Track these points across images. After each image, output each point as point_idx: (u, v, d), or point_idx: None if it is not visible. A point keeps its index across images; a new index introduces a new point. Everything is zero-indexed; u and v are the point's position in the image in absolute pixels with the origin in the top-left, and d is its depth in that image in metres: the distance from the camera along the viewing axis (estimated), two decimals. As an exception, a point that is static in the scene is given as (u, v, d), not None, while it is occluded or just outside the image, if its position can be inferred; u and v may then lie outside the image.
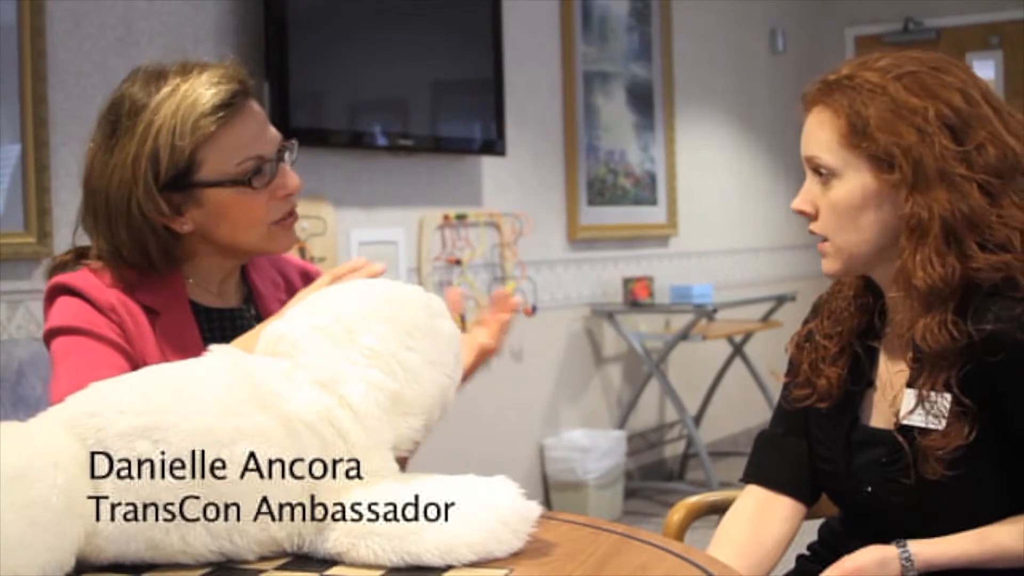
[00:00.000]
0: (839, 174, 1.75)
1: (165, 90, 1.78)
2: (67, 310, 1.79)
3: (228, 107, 1.78)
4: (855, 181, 1.75)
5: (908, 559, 1.70)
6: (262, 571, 1.32)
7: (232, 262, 1.91)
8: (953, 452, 1.68)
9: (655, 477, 6.16)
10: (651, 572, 1.34)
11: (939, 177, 1.69)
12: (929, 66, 1.75)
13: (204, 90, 1.78)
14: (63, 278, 1.82)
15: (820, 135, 1.77)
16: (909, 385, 1.76)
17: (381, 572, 1.30)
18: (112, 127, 1.80)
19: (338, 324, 1.42)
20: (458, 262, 4.90)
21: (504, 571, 1.30)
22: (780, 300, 6.22)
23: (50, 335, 1.79)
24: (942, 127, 1.70)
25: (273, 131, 1.85)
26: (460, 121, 4.93)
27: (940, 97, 1.71)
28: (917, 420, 1.73)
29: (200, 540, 1.31)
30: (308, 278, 2.00)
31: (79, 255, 1.89)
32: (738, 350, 6.25)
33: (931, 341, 1.68)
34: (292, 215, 1.87)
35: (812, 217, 1.80)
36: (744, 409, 6.74)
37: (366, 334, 1.41)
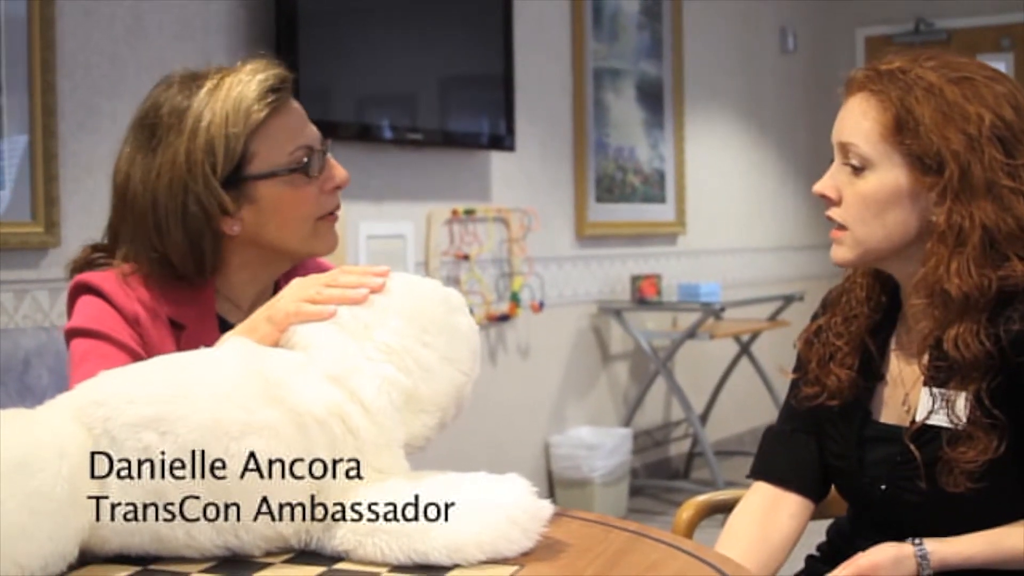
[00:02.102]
0: (874, 166, 1.73)
1: (208, 85, 1.76)
2: (89, 311, 1.75)
3: (277, 92, 1.77)
4: (889, 176, 1.73)
5: (924, 557, 1.69)
6: (269, 564, 1.31)
7: (271, 273, 1.88)
8: (981, 466, 1.66)
9: (660, 475, 6.15)
10: (663, 570, 1.33)
11: (986, 187, 1.67)
12: (984, 75, 1.73)
13: (249, 79, 1.76)
14: (89, 277, 1.78)
15: (861, 123, 1.74)
16: (926, 385, 1.74)
17: (388, 567, 1.29)
18: (151, 131, 1.76)
19: (354, 319, 1.40)
20: (466, 257, 4.89)
21: (511, 569, 1.28)
22: (787, 300, 6.20)
23: (70, 334, 1.76)
24: (992, 138, 1.68)
25: (314, 127, 1.84)
26: (469, 116, 4.92)
27: (993, 107, 1.69)
28: (936, 420, 1.72)
29: (205, 535, 1.30)
30: None
31: (98, 251, 1.85)
32: (745, 349, 6.24)
33: (964, 350, 1.66)
34: (336, 211, 1.86)
35: (834, 203, 1.78)
36: (750, 408, 6.72)
37: (382, 329, 1.39)
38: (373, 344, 1.38)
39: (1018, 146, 1.69)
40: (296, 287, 1.56)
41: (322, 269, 2.02)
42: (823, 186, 1.79)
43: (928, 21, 7.83)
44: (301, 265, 2.01)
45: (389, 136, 4.48)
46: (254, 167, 1.76)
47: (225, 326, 1.80)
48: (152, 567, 1.30)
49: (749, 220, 7.22)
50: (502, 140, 4.97)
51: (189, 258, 1.76)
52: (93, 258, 1.84)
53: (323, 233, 1.85)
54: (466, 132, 4.89)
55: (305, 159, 1.79)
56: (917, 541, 1.70)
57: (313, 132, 1.83)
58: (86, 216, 3.36)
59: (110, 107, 3.48)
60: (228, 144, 1.73)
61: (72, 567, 1.25)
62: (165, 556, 1.30)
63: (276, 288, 1.91)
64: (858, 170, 1.75)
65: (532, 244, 5.26)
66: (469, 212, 4.92)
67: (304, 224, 1.81)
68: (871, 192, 1.73)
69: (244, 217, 1.77)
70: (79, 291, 1.79)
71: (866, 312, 1.88)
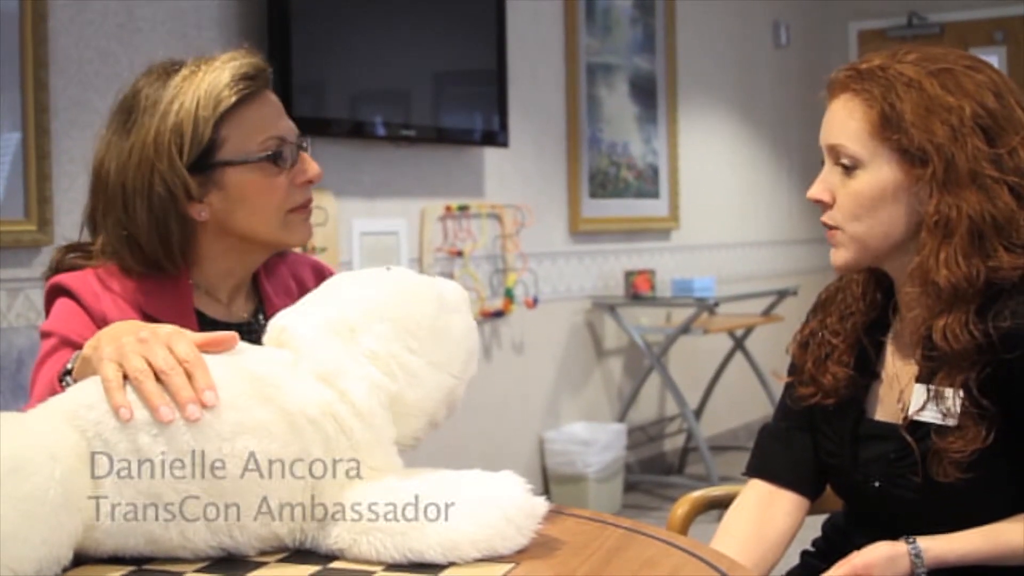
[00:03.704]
0: (864, 164, 1.73)
1: (184, 72, 1.78)
2: (58, 313, 1.77)
3: (250, 80, 1.78)
4: (880, 173, 1.73)
5: (918, 555, 1.69)
6: (263, 563, 1.30)
7: (245, 264, 1.88)
8: (969, 456, 1.66)
9: (655, 471, 6.15)
10: (658, 567, 1.32)
11: (970, 177, 1.67)
12: (963, 64, 1.73)
13: (224, 65, 1.78)
14: (62, 278, 1.79)
15: (848, 123, 1.75)
16: (919, 380, 1.74)
17: (383, 566, 1.29)
18: (127, 114, 1.79)
19: (341, 321, 1.39)
20: (460, 253, 4.88)
21: (507, 567, 1.28)
22: (781, 294, 6.20)
23: (40, 335, 1.77)
24: (975, 127, 1.68)
25: (290, 122, 1.85)
26: (462, 112, 4.92)
27: (974, 97, 1.70)
28: (928, 416, 1.72)
29: (200, 536, 1.29)
30: (321, 276, 1.96)
31: (72, 251, 1.85)
32: (739, 344, 6.24)
33: (952, 341, 1.67)
34: (308, 204, 1.85)
35: (828, 206, 1.78)
36: (744, 403, 6.73)
37: (367, 334, 1.37)
38: (359, 348, 1.37)
39: (1001, 134, 1.70)
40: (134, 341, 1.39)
41: (318, 268, 2.02)
42: (816, 191, 1.80)
43: (921, 15, 7.84)
44: (295, 260, 2.00)
45: (382, 132, 4.47)
46: (224, 153, 1.77)
47: (204, 320, 1.81)
48: (146, 567, 1.29)
49: (743, 215, 7.22)
50: (495, 136, 4.97)
51: (156, 240, 1.76)
52: (67, 259, 1.84)
53: (294, 225, 1.84)
54: (459, 128, 4.88)
55: (276, 149, 1.79)
56: (910, 539, 1.70)
57: (288, 125, 1.83)
58: (79, 214, 3.33)
59: (103, 104, 3.46)
60: (196, 128, 1.74)
61: (66, 569, 1.25)
62: (159, 557, 1.30)
63: (256, 281, 1.92)
64: (849, 170, 1.75)
65: (526, 240, 5.26)
66: (463, 208, 4.91)
67: (274, 215, 1.81)
68: (864, 190, 1.74)
69: (213, 203, 1.78)
70: (53, 293, 1.80)
71: (862, 309, 1.88)
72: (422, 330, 1.40)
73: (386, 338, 1.37)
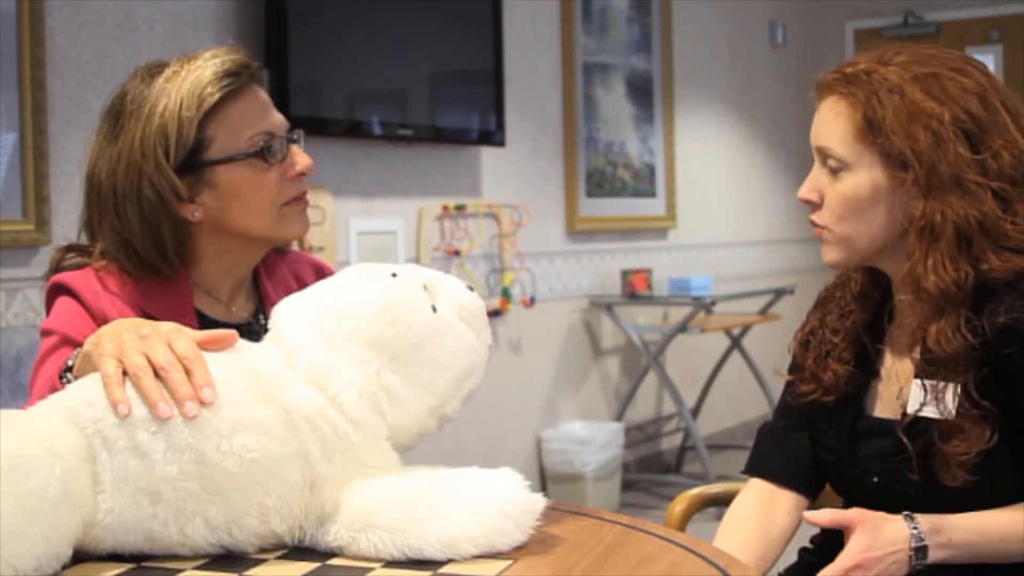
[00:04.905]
0: (850, 167, 1.74)
1: (167, 73, 1.77)
2: (58, 312, 1.77)
3: (233, 76, 1.77)
4: (866, 175, 1.73)
5: (909, 515, 1.69)
6: (262, 560, 1.31)
7: (244, 262, 1.87)
8: (975, 457, 1.67)
9: (652, 470, 6.16)
10: (656, 563, 1.33)
11: (953, 183, 1.67)
12: (949, 67, 1.73)
13: (206, 63, 1.77)
14: (63, 277, 1.79)
15: (834, 126, 1.75)
16: (918, 377, 1.75)
17: (382, 563, 1.29)
18: (115, 119, 1.79)
19: (326, 330, 1.38)
20: (457, 253, 4.89)
21: (505, 563, 1.28)
22: (778, 293, 6.21)
23: (41, 334, 1.77)
24: (958, 133, 1.68)
25: (280, 115, 1.84)
26: (459, 112, 4.92)
27: (958, 101, 1.70)
28: (926, 412, 1.72)
29: (199, 533, 1.30)
30: (321, 275, 1.96)
31: (71, 251, 1.85)
32: (736, 343, 6.24)
33: (945, 346, 1.67)
34: (303, 197, 1.85)
35: (817, 206, 1.79)
36: (742, 402, 6.73)
37: (344, 353, 1.37)
38: (343, 357, 1.36)
39: (985, 138, 1.70)
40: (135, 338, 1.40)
41: (318, 266, 2.02)
42: (805, 191, 1.81)
43: (917, 14, 7.85)
44: (295, 259, 2.00)
45: (379, 132, 4.48)
46: (212, 152, 1.76)
47: (204, 320, 1.81)
48: (145, 564, 1.30)
49: (739, 214, 7.22)
50: (492, 135, 4.97)
51: (150, 243, 1.76)
52: (67, 258, 1.84)
53: (290, 218, 1.83)
54: (456, 128, 4.88)
55: (264, 144, 1.79)
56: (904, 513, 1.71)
57: (277, 119, 1.82)
58: (76, 213, 3.34)
59: (100, 104, 3.45)
60: (181, 128, 1.73)
61: (66, 566, 1.25)
62: (158, 555, 1.30)
63: (256, 281, 1.92)
64: (836, 171, 1.76)
65: (523, 239, 5.26)
66: (460, 208, 4.92)
67: (268, 210, 1.81)
68: (850, 192, 1.75)
69: (205, 203, 1.78)
70: (53, 292, 1.80)
71: (860, 308, 1.89)
72: (402, 354, 1.39)
73: (363, 360, 1.36)
